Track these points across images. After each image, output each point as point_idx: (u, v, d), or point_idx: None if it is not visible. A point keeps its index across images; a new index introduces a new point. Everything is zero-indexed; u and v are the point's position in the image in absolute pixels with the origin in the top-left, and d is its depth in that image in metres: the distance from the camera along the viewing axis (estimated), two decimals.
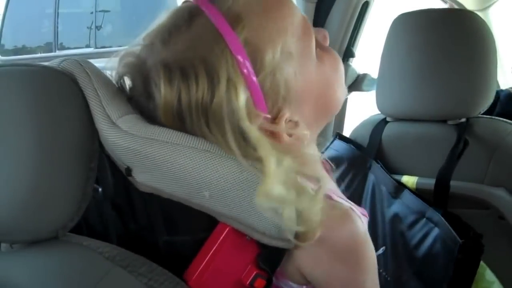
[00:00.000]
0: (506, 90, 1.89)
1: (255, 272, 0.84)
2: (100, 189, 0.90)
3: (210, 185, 0.79)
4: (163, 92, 0.78)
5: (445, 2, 2.42)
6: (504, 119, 1.57)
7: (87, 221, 0.88)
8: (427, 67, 1.56)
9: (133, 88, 0.85)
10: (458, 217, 1.44)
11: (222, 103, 0.76)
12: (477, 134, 1.54)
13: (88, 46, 4.79)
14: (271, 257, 0.84)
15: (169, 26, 0.82)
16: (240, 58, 0.77)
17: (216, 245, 0.84)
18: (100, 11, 4.81)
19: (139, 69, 0.83)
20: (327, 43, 0.91)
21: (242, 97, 0.77)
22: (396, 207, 1.54)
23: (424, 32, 1.58)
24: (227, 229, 0.83)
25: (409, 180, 1.58)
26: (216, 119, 0.77)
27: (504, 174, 1.52)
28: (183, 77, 0.78)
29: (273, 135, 0.81)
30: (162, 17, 0.83)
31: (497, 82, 1.72)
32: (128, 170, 0.84)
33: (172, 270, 0.84)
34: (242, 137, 0.77)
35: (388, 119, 1.68)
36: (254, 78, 0.78)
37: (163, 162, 0.80)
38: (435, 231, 1.43)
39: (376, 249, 1.52)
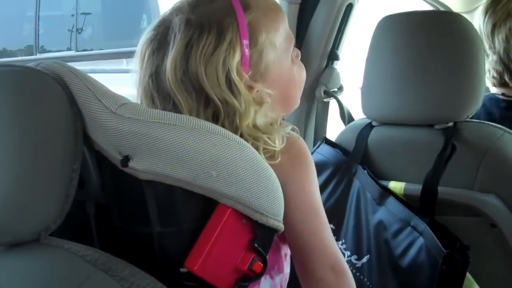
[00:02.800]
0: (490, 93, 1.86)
1: (252, 256, 0.90)
2: (83, 190, 0.91)
3: (217, 164, 0.86)
4: (180, 37, 1.04)
5: (431, 5, 2.39)
6: (493, 124, 1.56)
7: (69, 222, 0.88)
8: (413, 70, 1.55)
9: (155, 39, 1.08)
10: (445, 227, 1.43)
11: (220, 57, 1.03)
12: (465, 139, 1.53)
13: (69, 49, 4.76)
14: (264, 240, 0.92)
15: (195, 1, 1.10)
16: (242, 32, 1.06)
17: (219, 227, 0.88)
18: (81, 13, 4.77)
19: (166, 23, 1.08)
20: (299, 59, 1.20)
21: (236, 57, 1.05)
22: (380, 214, 1.53)
23: (410, 35, 1.57)
24: (229, 210, 0.88)
25: (396, 185, 1.57)
26: (213, 67, 1.03)
27: (494, 180, 1.50)
28: (199, 31, 1.04)
29: None
30: None
31: (485, 85, 1.69)
32: (125, 160, 0.87)
33: (167, 260, 0.89)
34: (228, 86, 1.04)
35: (374, 123, 1.68)
36: (247, 50, 1.07)
37: (172, 143, 0.85)
38: (420, 240, 1.42)
39: (360, 257, 1.49)
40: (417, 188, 1.52)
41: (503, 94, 1.82)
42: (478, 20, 1.89)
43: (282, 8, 1.17)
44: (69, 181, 0.85)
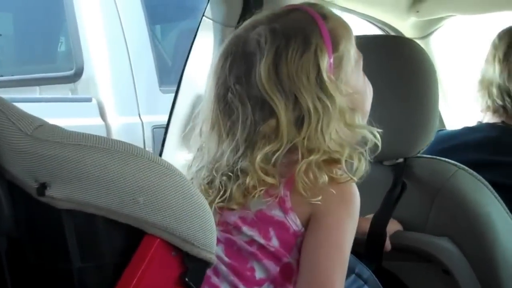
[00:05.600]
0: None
1: None
2: None
3: (144, 190, 0.88)
4: (268, 46, 1.21)
5: (381, 29, 2.47)
6: (447, 159, 1.61)
7: None
8: None
9: (231, 52, 1.26)
10: (393, 275, 1.45)
11: (310, 59, 1.21)
12: (416, 176, 1.58)
13: None
14: (196, 274, 0.95)
15: (270, 14, 1.29)
16: (326, 38, 1.24)
17: (146, 260, 0.89)
18: None
19: (240, 38, 1.26)
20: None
21: (325, 59, 1.22)
22: None
23: None
24: (157, 241, 0.90)
25: None
26: (304, 70, 1.20)
27: (447, 221, 1.55)
28: (285, 38, 1.22)
29: None
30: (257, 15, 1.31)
31: (440, 117, 1.75)
32: (42, 188, 0.88)
33: None
34: (319, 86, 1.21)
35: None
36: (331, 55, 1.24)
37: (94, 168, 0.87)
38: None
39: None
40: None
41: (503, 122, 1.92)
42: (432, 46, 1.97)
43: None
44: None
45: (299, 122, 1.21)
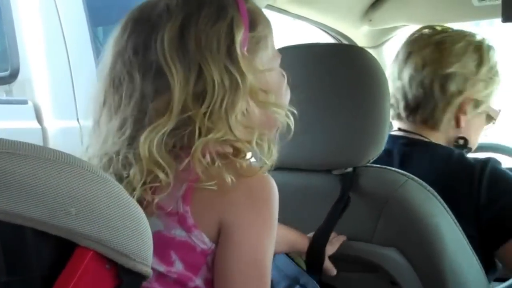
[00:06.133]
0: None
1: None
2: None
3: (76, 200, 0.87)
4: (177, 9, 1.14)
5: (334, 38, 2.51)
6: (397, 170, 1.63)
7: None
8: (310, 109, 1.58)
9: (134, 18, 1.18)
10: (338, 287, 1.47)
11: (223, 28, 1.14)
12: (364, 186, 1.60)
13: None
14: None
15: None
16: (243, 13, 1.16)
17: (78, 274, 0.88)
18: None
19: (149, 5, 1.18)
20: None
21: (241, 30, 1.15)
22: None
23: (306, 69, 1.62)
24: (90, 253, 0.89)
25: None
26: (215, 37, 1.13)
27: (395, 231, 1.57)
28: (198, 3, 1.15)
29: None
30: None
31: (390, 125, 1.78)
32: None
33: None
34: (229, 58, 1.13)
35: None
36: (248, 31, 1.16)
37: (23, 177, 0.85)
38: None
39: None
40: None
41: (399, 129, 1.90)
42: (385, 56, 1.99)
43: None
44: None
45: (201, 98, 1.11)
